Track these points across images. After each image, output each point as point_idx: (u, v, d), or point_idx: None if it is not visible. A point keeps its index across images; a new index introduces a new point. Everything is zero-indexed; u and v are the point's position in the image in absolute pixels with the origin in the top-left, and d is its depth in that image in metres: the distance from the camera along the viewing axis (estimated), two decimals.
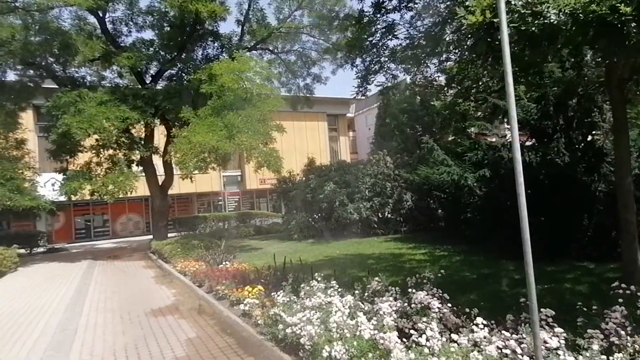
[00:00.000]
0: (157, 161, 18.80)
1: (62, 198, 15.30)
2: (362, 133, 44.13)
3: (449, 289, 5.15)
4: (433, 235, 15.19)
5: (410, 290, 4.59)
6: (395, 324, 3.93)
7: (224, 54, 17.36)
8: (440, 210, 17.17)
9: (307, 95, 21.21)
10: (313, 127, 34.16)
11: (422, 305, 4.20)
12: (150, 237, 19.49)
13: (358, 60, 7.90)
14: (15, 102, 16.54)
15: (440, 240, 13.63)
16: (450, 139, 18.87)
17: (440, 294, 4.55)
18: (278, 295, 5.27)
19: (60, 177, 15.68)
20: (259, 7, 18.15)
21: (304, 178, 19.92)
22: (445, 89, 17.27)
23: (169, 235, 18.94)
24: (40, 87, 17.25)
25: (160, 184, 18.59)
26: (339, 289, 5.19)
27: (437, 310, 4.03)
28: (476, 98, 16.28)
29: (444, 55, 12.58)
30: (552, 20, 3.88)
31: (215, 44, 17.91)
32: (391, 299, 4.53)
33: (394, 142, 20.91)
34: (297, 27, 19.17)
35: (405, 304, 4.41)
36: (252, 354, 4.74)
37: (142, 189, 18.79)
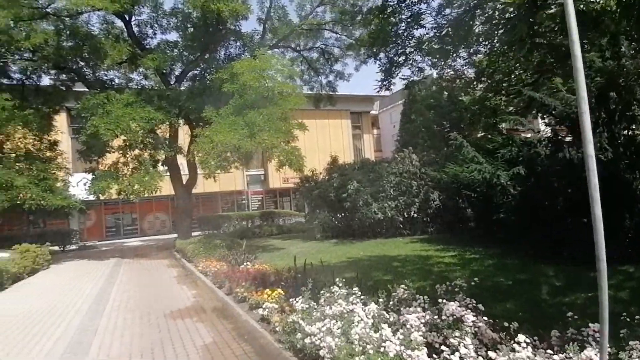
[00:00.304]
0: (182, 161, 19.00)
1: (92, 197, 15.63)
2: (386, 130, 43.46)
3: (482, 296, 4.74)
4: (462, 237, 14.56)
5: (440, 300, 4.20)
6: (424, 339, 3.57)
7: (245, 53, 17.33)
8: (469, 210, 16.49)
9: (330, 92, 20.91)
10: (336, 125, 33.82)
11: (454, 317, 3.82)
12: (176, 235, 19.71)
13: (381, 53, 7.52)
14: (49, 105, 17.08)
15: (470, 242, 13.01)
16: (479, 135, 18.13)
17: (474, 304, 4.14)
18: (297, 302, 4.99)
19: (90, 177, 16.07)
20: (281, 4, 18.08)
21: (326, 177, 19.62)
22: (475, 83, 16.61)
23: (194, 233, 19.10)
24: (72, 90, 17.75)
25: (184, 183, 18.77)
26: (362, 296, 4.86)
27: (471, 323, 3.64)
28: (508, 92, 15.56)
29: (473, 48, 12.03)
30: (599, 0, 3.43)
31: (237, 44, 17.91)
32: (419, 309, 4.16)
33: (420, 140, 20.31)
34: (319, 24, 18.90)
35: (435, 316, 4.03)
36: None
37: (168, 188, 19.00)
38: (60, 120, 20.18)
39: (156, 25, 17.47)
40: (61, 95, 17.14)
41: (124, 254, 17.24)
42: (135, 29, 17.17)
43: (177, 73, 17.78)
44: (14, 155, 15.31)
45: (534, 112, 11.87)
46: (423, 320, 3.88)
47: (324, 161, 21.55)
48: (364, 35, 15.15)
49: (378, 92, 8.09)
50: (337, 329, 4.09)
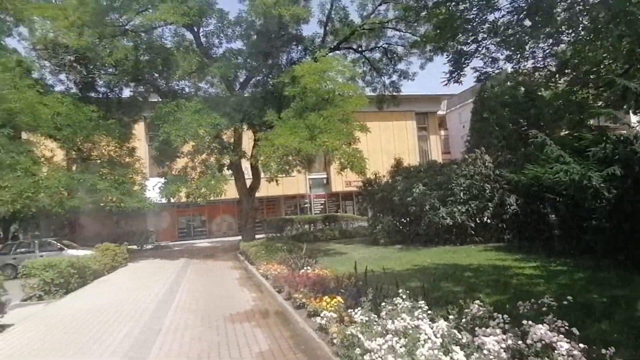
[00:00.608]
0: (246, 165, 19.51)
1: (164, 200, 16.58)
2: (455, 131, 41.28)
3: (573, 316, 3.97)
4: (544, 246, 13.07)
5: (525, 322, 3.53)
6: None
7: (307, 57, 17.33)
8: (553, 216, 14.81)
9: (394, 93, 20.19)
10: (400, 127, 32.81)
11: (543, 343, 3.15)
12: (240, 237, 20.26)
13: (449, 43, 6.86)
14: (129, 115, 18.54)
15: (555, 252, 11.61)
16: (562, 134, 16.27)
17: (566, 327, 3.42)
18: (356, 313, 4.57)
19: (163, 181, 17.08)
20: (342, 5, 17.83)
21: (390, 180, 18.93)
22: (557, 76, 14.91)
23: (257, 236, 19.48)
24: (148, 100, 19.09)
25: (248, 186, 19.23)
26: (429, 311, 4.31)
27: (565, 352, 2.97)
28: (596, 84, 13.76)
29: (555, 37, 10.75)
30: None
31: (299, 47, 17.99)
32: (498, 330, 3.52)
33: (494, 139, 18.78)
34: (381, 22, 18.36)
35: (519, 340, 3.38)
36: None
37: (233, 191, 19.60)
38: (138, 129, 21.80)
39: (222, 35, 18.17)
40: (139, 105, 18.53)
41: (193, 255, 18.04)
42: (203, 40, 18.01)
43: (241, 80, 18.32)
44: (99, 161, 16.81)
45: (631, 103, 10.31)
46: (504, 345, 3.25)
47: (388, 164, 20.89)
48: (430, 30, 14.33)
49: (446, 84, 7.42)
50: (400, 347, 3.61)
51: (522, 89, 20.53)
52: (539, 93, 20.38)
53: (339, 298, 6.34)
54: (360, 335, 4.12)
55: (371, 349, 3.80)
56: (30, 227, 22.84)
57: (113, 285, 10.74)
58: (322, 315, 5.60)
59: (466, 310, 4.18)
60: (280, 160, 13.81)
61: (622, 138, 10.00)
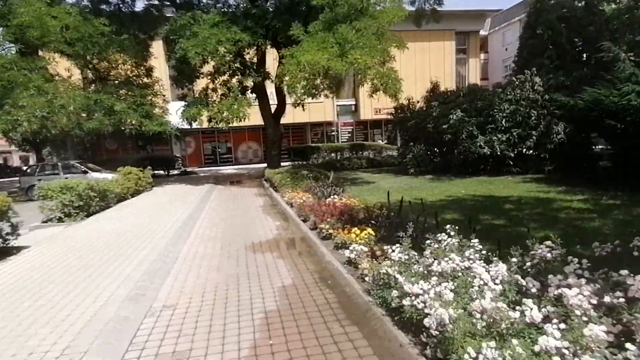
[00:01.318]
0: (271, 90, 18.42)
1: (185, 125, 15.99)
2: (496, 55, 37.86)
3: None
4: (591, 178, 11.91)
5: (610, 272, 2.72)
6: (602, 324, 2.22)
7: None
8: (605, 147, 13.39)
9: (435, 6, 17.85)
10: (438, 48, 30.04)
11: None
12: (266, 165, 19.89)
13: None
14: (144, 31, 17.28)
15: (604, 185, 10.50)
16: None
17: None
18: (392, 250, 3.90)
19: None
20: None
21: (424, 106, 17.50)
22: None
23: (283, 164, 19.00)
24: (164, 15, 17.67)
25: (272, 112, 18.32)
26: (483, 250, 3.56)
27: None
28: None
29: None
30: None
31: None
32: (572, 278, 2.75)
33: (545, 59, 16.62)
34: None
35: (606, 294, 2.61)
36: (356, 322, 3.58)
37: (259, 117, 18.83)
38: (157, 48, 20.57)
39: None
40: (154, 19, 17.14)
41: (218, 181, 17.90)
42: None
43: None
44: (116, 82, 16.08)
45: None
46: (593, 301, 2.48)
47: (421, 90, 19.23)
48: None
49: None
50: (449, 293, 2.93)
51: (583, 2, 17.75)
52: (601, 8, 17.64)
53: (369, 230, 5.72)
54: (398, 276, 3.47)
55: (413, 292, 3.15)
56: (59, 150, 23.21)
57: (135, 209, 10.58)
58: (351, 248, 5.01)
59: (532, 253, 3.40)
60: (307, 82, 12.65)
61: None
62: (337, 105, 29.68)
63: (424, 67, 28.67)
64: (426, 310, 2.95)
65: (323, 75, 12.60)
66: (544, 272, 3.17)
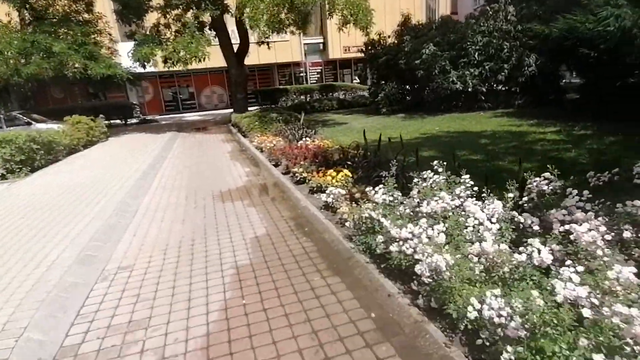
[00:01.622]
0: (232, 27, 16.91)
1: (139, 68, 14.50)
2: None
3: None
4: (560, 111, 11.88)
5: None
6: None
7: None
8: (574, 78, 13.31)
9: None
10: None
11: None
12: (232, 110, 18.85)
13: None
14: None
15: (574, 117, 10.48)
16: None
17: None
18: (375, 192, 3.52)
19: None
20: None
21: (396, 41, 16.62)
22: None
23: (250, 108, 18.06)
24: None
25: (235, 51, 16.99)
26: (474, 186, 3.24)
27: None
28: None
29: None
30: None
31: None
32: (590, 214, 2.47)
33: None
34: None
35: (616, 225, 2.36)
36: (338, 271, 3.27)
37: (221, 59, 17.45)
38: None
39: None
40: None
41: (181, 128, 16.84)
42: None
43: None
44: (54, 20, 14.07)
45: None
46: (599, 234, 2.21)
47: (392, 24, 18.16)
48: None
49: None
50: (442, 235, 2.62)
51: None
52: None
53: (346, 171, 5.35)
54: (382, 220, 3.12)
55: (400, 237, 2.83)
56: (3, 101, 20.98)
57: (88, 161, 9.68)
58: (327, 191, 4.64)
59: (528, 186, 3.10)
60: (271, 16, 11.53)
61: None
62: (305, 44, 28.05)
63: (394, 2, 27.12)
64: (416, 256, 2.64)
65: (288, 7, 11.51)
66: (541, 207, 2.90)
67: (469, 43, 13.78)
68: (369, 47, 17.32)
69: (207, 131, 15.38)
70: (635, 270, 1.72)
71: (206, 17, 14.88)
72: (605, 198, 2.80)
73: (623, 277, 1.67)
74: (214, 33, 16.19)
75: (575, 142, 7.80)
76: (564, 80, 14.68)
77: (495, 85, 14.30)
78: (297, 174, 6.08)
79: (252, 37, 17.10)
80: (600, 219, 2.36)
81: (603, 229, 2.15)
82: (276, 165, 7.44)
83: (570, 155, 6.79)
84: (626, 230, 2.19)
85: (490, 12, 14.02)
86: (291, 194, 5.51)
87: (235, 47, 17.12)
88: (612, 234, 2.19)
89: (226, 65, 17.73)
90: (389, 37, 17.11)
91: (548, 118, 10.83)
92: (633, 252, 2.22)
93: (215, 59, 16.29)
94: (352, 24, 11.57)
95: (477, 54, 13.73)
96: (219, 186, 6.50)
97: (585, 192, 2.78)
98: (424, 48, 14.13)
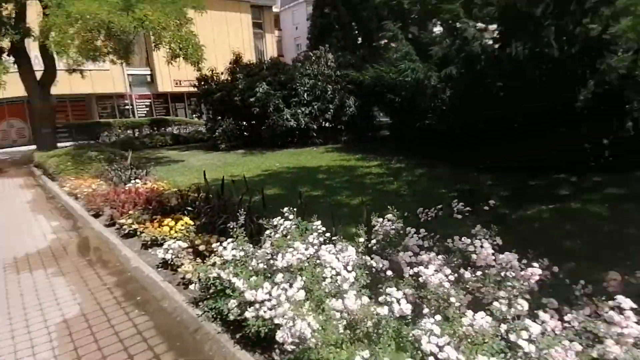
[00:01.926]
0: (36, 53, 14.24)
1: None
2: (288, 32, 39.79)
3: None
4: (377, 146, 13.70)
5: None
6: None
7: None
8: (384, 118, 15.71)
9: None
10: (235, 20, 29.26)
11: (499, 265, 2.41)
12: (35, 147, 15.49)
13: None
14: None
15: (388, 152, 12.17)
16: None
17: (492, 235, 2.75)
18: (224, 247, 3.12)
19: None
20: None
21: (229, 78, 16.63)
22: None
23: (62, 144, 15.22)
24: None
25: (38, 79, 14.27)
26: (325, 231, 3.18)
27: (531, 275, 2.27)
28: None
29: None
30: None
31: None
32: (435, 255, 2.64)
33: (333, 39, 18.00)
34: None
35: (454, 259, 2.59)
36: (183, 352, 2.71)
37: (21, 87, 14.36)
38: None
39: None
40: None
41: None
42: None
43: None
44: None
45: None
46: (445, 277, 2.36)
47: (223, 61, 18.15)
48: None
49: None
50: (298, 291, 2.43)
51: None
52: None
53: (186, 219, 4.80)
54: (234, 280, 2.76)
55: (257, 300, 2.51)
56: None
57: None
58: (165, 245, 4.00)
59: (375, 228, 3.21)
60: (84, 42, 10.06)
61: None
62: (129, 75, 25.57)
63: (223, 38, 27.44)
64: (276, 321, 2.37)
65: (105, 34, 10.22)
66: (387, 248, 3.02)
67: (298, 84, 14.78)
68: (202, 82, 16.86)
69: (1, 174, 12.14)
70: (490, 319, 1.83)
71: (5, 43, 12.19)
72: (435, 233, 3.09)
73: (477, 324, 1.76)
74: (13, 59, 13.36)
75: (394, 174, 8.97)
76: (377, 119, 17.06)
77: (323, 123, 15.64)
78: (125, 226, 5.15)
79: (61, 64, 14.67)
80: (440, 257, 2.54)
81: (448, 270, 2.29)
82: (97, 216, 6.22)
83: (393, 187, 7.72)
84: (463, 269, 2.38)
85: (314, 58, 15.43)
86: (117, 253, 4.58)
87: (39, 75, 14.38)
88: (455, 274, 2.35)
89: (27, 94, 14.69)
90: (221, 73, 17.01)
91: (369, 152, 12.26)
92: (468, 286, 2.42)
93: (13, 87, 13.34)
94: (182, 58, 11.02)
95: (306, 94, 14.82)
96: (13, 251, 4.97)
97: (422, 230, 3.03)
98: (257, 86, 14.52)
